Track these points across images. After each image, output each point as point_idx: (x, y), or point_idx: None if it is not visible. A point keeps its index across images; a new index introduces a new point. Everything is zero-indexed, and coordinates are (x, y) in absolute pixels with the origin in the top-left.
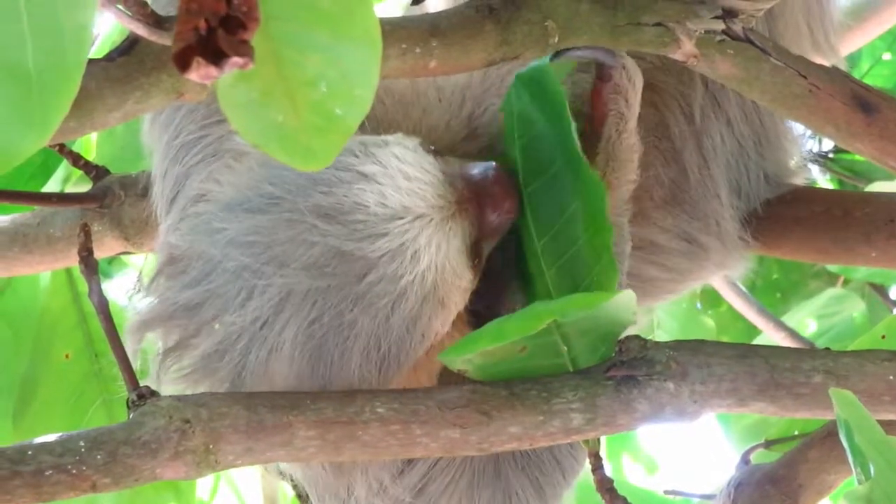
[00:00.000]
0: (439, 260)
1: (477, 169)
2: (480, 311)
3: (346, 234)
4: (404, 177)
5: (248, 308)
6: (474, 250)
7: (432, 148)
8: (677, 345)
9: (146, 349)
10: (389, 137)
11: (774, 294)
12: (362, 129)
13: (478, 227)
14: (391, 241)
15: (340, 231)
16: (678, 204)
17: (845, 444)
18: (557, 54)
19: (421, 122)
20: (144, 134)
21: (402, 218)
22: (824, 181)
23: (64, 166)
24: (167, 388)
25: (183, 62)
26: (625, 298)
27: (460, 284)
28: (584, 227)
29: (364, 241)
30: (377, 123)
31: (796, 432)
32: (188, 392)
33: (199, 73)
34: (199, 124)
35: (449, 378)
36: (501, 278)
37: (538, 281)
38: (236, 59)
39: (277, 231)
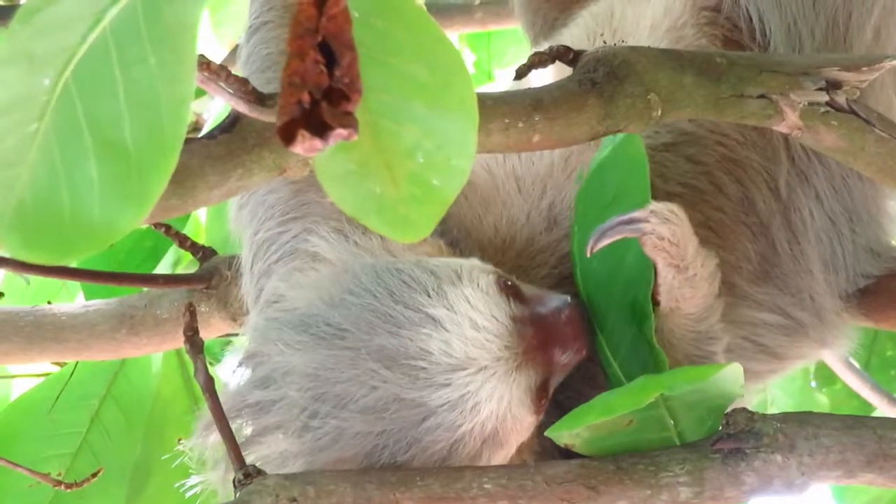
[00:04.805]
0: (500, 411)
1: (549, 308)
2: (562, 401)
3: (408, 383)
4: (472, 325)
5: (305, 439)
6: (540, 392)
7: (508, 283)
8: (785, 417)
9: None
10: (465, 266)
11: (889, 371)
12: (446, 227)
13: (545, 368)
14: (452, 391)
15: (402, 379)
16: (769, 279)
17: None
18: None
19: (501, 216)
20: (231, 221)
21: (465, 369)
22: None
23: (173, 250)
24: None
25: (288, 136)
26: (732, 372)
27: (521, 428)
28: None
29: (425, 391)
30: (460, 219)
31: None
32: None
33: (304, 146)
34: (278, 220)
35: (552, 454)
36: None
37: (609, 371)
38: (340, 131)
39: (339, 369)
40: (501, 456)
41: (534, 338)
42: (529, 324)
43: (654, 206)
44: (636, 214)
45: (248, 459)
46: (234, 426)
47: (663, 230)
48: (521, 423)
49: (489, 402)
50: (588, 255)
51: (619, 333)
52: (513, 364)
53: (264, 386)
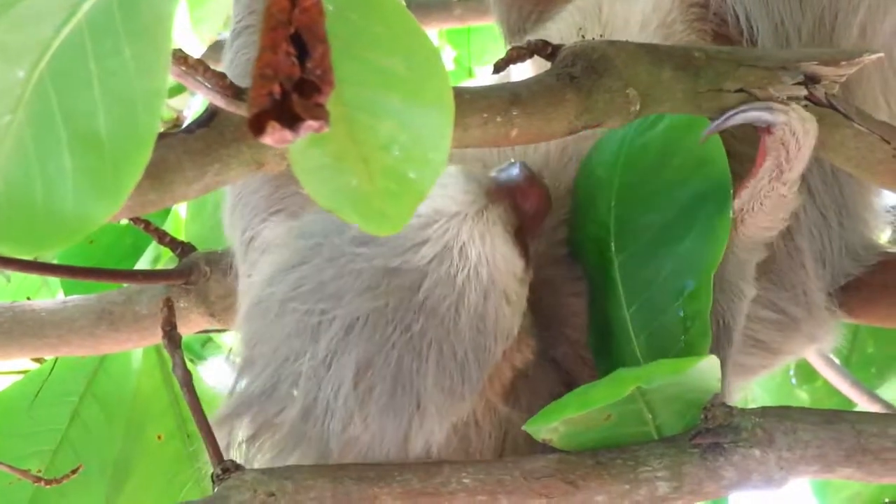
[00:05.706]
0: (487, 250)
1: (502, 168)
2: (557, 357)
3: (389, 252)
4: None
5: (320, 345)
6: (518, 238)
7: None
8: (763, 412)
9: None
10: None
11: (869, 368)
12: None
13: (514, 214)
14: (435, 244)
15: (382, 251)
16: (764, 274)
17: None
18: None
19: None
20: (225, 227)
21: (437, 221)
22: None
23: (153, 247)
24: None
25: (258, 127)
26: (709, 364)
27: (515, 272)
28: (681, 292)
29: (408, 253)
30: None
31: (886, 500)
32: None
33: (274, 137)
34: (262, 217)
35: (532, 449)
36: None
37: (624, 349)
38: (311, 123)
39: (324, 272)
40: (509, 313)
41: (494, 185)
42: (487, 179)
43: (795, 107)
44: (775, 104)
45: (269, 445)
46: (242, 423)
47: (797, 126)
48: (513, 265)
49: (473, 243)
50: (702, 141)
51: (651, 309)
52: (481, 205)
53: (264, 369)
